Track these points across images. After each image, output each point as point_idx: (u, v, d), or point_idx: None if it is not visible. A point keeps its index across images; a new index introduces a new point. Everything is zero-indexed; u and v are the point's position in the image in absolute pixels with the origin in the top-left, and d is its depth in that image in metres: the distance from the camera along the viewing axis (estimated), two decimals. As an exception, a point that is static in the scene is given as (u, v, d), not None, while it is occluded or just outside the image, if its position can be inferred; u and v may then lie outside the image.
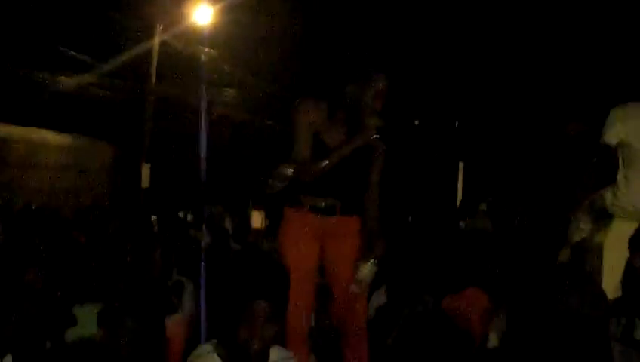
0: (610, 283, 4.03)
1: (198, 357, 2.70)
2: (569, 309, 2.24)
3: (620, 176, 4.28)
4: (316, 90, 3.96)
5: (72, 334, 3.70)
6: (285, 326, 3.59)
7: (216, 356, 2.72)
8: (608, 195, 4.31)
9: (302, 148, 3.82)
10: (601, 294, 2.30)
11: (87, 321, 3.68)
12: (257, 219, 16.11)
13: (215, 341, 2.79)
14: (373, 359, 3.93)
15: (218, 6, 17.41)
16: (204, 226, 8.73)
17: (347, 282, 3.77)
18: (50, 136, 16.95)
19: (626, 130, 4.26)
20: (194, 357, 2.66)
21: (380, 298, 4.94)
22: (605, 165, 4.39)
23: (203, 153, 12.17)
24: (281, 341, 2.83)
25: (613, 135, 4.29)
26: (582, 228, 4.61)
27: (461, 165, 22.38)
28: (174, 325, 4.06)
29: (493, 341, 4.08)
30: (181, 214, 13.13)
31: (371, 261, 3.73)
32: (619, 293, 3.46)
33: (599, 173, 4.50)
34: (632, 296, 2.69)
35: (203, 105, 16.94)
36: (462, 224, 11.48)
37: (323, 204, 3.86)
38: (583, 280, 2.42)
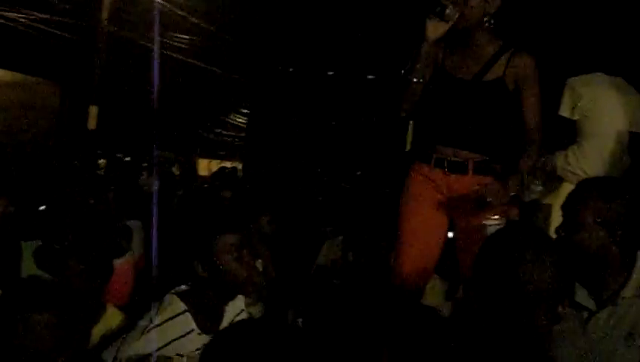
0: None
1: (167, 312, 2.66)
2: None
3: (573, 144, 4.38)
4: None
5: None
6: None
7: (189, 315, 2.71)
8: (560, 159, 4.40)
9: None
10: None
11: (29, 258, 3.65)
12: (204, 167, 16.04)
13: (183, 289, 2.78)
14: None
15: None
16: (153, 171, 8.66)
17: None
18: (-5, 72, 16.57)
19: (581, 102, 4.35)
20: (162, 310, 2.63)
21: (334, 249, 4.95)
22: (560, 133, 4.47)
23: (153, 98, 12.01)
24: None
25: (567, 107, 4.39)
26: (532, 189, 4.69)
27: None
28: (123, 266, 4.03)
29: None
30: (129, 158, 13.00)
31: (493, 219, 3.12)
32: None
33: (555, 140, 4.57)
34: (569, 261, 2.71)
35: (155, 49, 16.66)
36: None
37: (454, 158, 3.34)
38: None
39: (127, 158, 13.14)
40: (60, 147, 15.88)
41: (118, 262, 3.92)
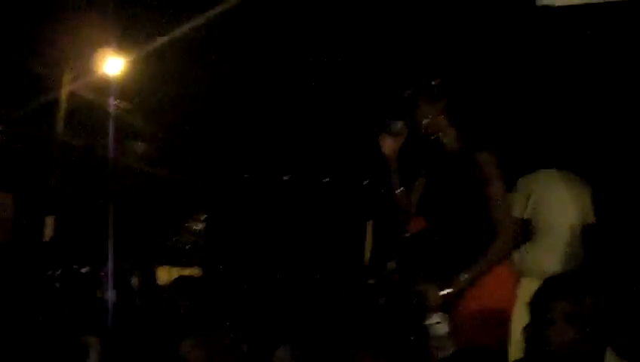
0: (517, 341, 4.13)
1: None
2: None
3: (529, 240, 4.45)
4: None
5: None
6: None
7: None
8: (516, 256, 4.44)
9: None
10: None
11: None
12: (164, 275, 15.83)
13: None
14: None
15: (129, 58, 17.25)
16: (110, 284, 8.52)
17: None
18: (-52, 185, 16.37)
19: (530, 200, 4.45)
20: None
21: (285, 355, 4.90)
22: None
23: (110, 207, 11.94)
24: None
25: (519, 206, 4.48)
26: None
27: (370, 224, 22.55)
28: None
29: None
30: (85, 270, 12.77)
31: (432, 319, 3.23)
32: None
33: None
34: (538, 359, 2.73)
35: (111, 157, 16.66)
36: (371, 281, 11.51)
37: None
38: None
39: (84, 270, 12.92)
40: (16, 259, 15.58)
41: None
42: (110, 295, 7.69)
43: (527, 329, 2.74)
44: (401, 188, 3.50)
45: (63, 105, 17.29)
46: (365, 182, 24.02)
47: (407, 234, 4.17)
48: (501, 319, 3.37)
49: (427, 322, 3.23)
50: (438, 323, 3.19)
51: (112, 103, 17.70)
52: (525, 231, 4.55)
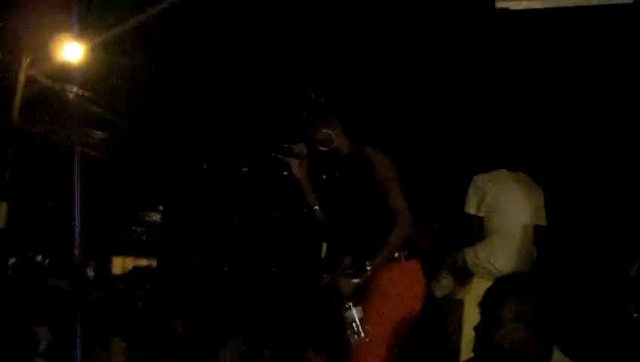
0: (470, 339, 4.19)
1: None
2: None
3: (481, 239, 4.50)
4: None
5: None
6: None
7: None
8: (470, 255, 4.50)
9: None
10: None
11: None
12: (119, 265, 15.74)
13: None
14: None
15: (89, 44, 17.06)
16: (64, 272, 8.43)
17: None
18: None
19: (487, 199, 4.50)
20: None
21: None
22: (465, 229, 4.59)
23: (65, 195, 11.81)
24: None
25: (473, 205, 4.53)
26: (444, 284, 4.79)
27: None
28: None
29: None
30: (39, 258, 12.65)
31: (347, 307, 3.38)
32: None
33: (460, 235, 4.69)
34: (489, 357, 2.78)
35: (69, 145, 16.47)
36: (326, 276, 11.56)
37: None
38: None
39: (38, 258, 12.77)
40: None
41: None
42: (63, 284, 7.63)
43: (478, 328, 2.80)
44: (317, 207, 3.67)
45: (21, 91, 17.05)
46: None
47: None
48: (406, 313, 3.48)
49: (342, 310, 3.37)
50: (349, 309, 3.34)
51: (71, 90, 17.50)
52: (479, 230, 4.61)
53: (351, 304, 3.38)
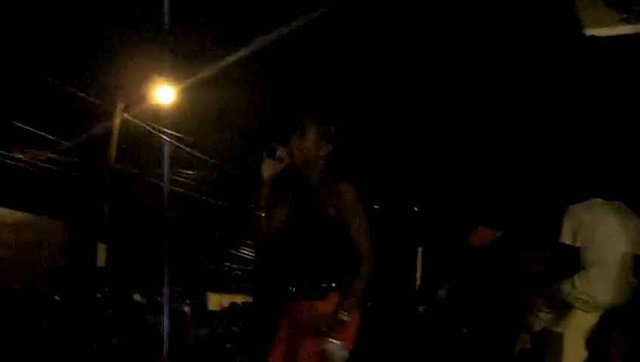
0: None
1: None
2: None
3: (579, 270, 4.39)
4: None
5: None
6: None
7: None
8: (568, 287, 4.39)
9: None
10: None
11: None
12: (215, 301, 15.93)
13: None
14: None
15: (180, 87, 17.54)
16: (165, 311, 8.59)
17: None
18: (6, 213, 16.73)
19: (582, 229, 4.40)
20: None
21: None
22: (561, 260, 4.49)
23: (162, 234, 12.08)
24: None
25: (569, 234, 4.42)
26: (542, 317, 4.68)
27: (420, 250, 22.48)
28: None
29: None
30: (138, 297, 12.92)
31: (330, 339, 3.32)
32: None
33: (553, 267, 4.59)
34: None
35: (163, 186, 16.87)
36: (421, 309, 11.45)
37: (290, 287, 3.55)
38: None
39: (136, 296, 13.06)
40: (70, 286, 15.85)
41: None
42: (165, 321, 7.76)
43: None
44: (262, 214, 3.58)
45: (116, 134, 17.62)
46: (415, 209, 23.97)
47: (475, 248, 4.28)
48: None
49: (324, 346, 3.31)
50: (332, 346, 3.30)
51: (164, 132, 17.98)
52: (576, 261, 4.50)
53: (334, 340, 3.35)
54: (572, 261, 4.43)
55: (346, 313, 3.38)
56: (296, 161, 3.53)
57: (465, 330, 6.59)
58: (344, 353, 3.34)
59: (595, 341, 2.71)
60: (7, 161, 17.00)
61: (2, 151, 16.82)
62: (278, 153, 3.48)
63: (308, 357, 3.39)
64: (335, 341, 3.30)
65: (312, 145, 3.54)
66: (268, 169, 3.52)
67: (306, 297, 3.48)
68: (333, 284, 3.47)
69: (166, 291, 11.00)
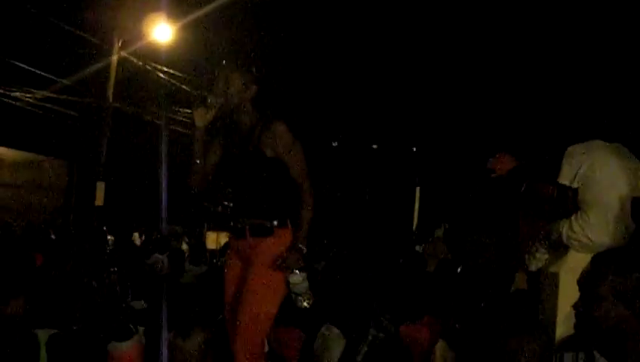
0: (565, 313, 4.10)
1: None
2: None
3: (577, 212, 4.38)
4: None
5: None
6: None
7: None
8: (565, 228, 4.38)
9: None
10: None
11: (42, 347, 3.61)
12: (212, 240, 16.01)
13: None
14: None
15: (178, 24, 17.36)
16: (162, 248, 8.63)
17: (245, 314, 3.54)
18: (3, 152, 16.75)
19: (581, 170, 4.37)
20: None
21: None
22: (559, 200, 4.47)
23: (160, 172, 12.07)
24: None
25: (568, 174, 4.40)
26: (538, 257, 4.69)
27: (418, 190, 22.56)
28: (129, 350, 3.99)
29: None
30: (135, 235, 13.00)
31: (294, 272, 3.57)
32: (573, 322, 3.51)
33: (551, 208, 4.58)
34: (588, 333, 2.74)
35: (161, 124, 16.83)
36: (418, 248, 11.53)
37: (237, 224, 3.76)
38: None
39: (134, 235, 13.13)
40: (69, 224, 15.94)
41: (124, 346, 3.90)
42: (163, 261, 7.82)
43: (577, 306, 2.76)
44: (198, 160, 3.72)
45: (114, 72, 17.50)
46: (414, 149, 23.98)
47: (494, 175, 4.35)
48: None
49: (289, 279, 3.58)
50: (296, 278, 3.57)
51: (162, 70, 17.87)
52: (574, 202, 4.49)
53: (297, 273, 3.59)
54: (570, 201, 4.42)
55: (302, 245, 3.62)
56: (226, 107, 3.69)
57: (459, 269, 6.63)
58: (307, 283, 3.60)
59: (587, 280, 2.71)
60: (6, 100, 16.93)
61: (1, 91, 16.74)
62: (208, 101, 3.64)
63: (266, 289, 3.60)
64: (298, 272, 3.56)
65: (238, 91, 3.69)
66: (200, 116, 3.68)
67: (254, 234, 3.67)
68: (278, 222, 3.67)
69: (164, 229, 11.07)
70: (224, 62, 3.80)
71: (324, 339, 4.48)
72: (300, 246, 3.62)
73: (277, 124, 3.67)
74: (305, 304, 3.58)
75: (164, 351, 2.94)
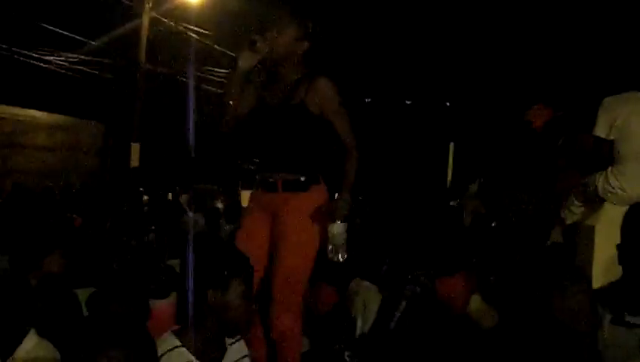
0: (601, 264, 4.10)
1: (161, 349, 2.69)
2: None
3: (613, 164, 4.33)
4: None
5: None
6: None
7: (184, 350, 2.77)
8: (600, 181, 4.35)
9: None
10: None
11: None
12: (247, 198, 16.10)
13: (177, 327, 2.85)
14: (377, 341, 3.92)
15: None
16: (194, 209, 8.69)
17: (281, 270, 3.49)
18: (39, 116, 16.91)
19: (617, 122, 4.31)
20: (158, 346, 2.65)
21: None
22: (595, 153, 4.42)
23: (193, 133, 12.14)
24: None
25: (604, 127, 4.34)
26: (574, 211, 4.67)
27: (452, 146, 22.44)
28: (166, 308, 4.04)
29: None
30: (170, 196, 13.10)
31: (337, 223, 3.50)
32: (609, 276, 3.50)
33: (589, 160, 4.54)
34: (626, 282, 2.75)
35: (193, 84, 16.85)
36: (453, 203, 11.49)
37: (268, 178, 3.65)
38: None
39: (170, 195, 13.23)
40: (105, 186, 16.11)
41: (160, 303, 3.95)
42: (198, 220, 7.89)
43: (619, 249, 2.79)
44: (231, 102, 3.59)
45: (145, 33, 17.52)
46: (447, 104, 23.81)
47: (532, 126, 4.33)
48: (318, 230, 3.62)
49: (331, 229, 3.52)
50: (338, 228, 3.52)
51: (193, 30, 17.86)
52: (610, 154, 4.43)
53: (339, 224, 3.54)
54: (606, 154, 4.37)
55: (348, 196, 3.59)
56: (274, 55, 3.55)
57: (494, 224, 6.61)
58: (346, 235, 3.54)
59: (625, 232, 2.71)
60: (40, 63, 17.06)
61: (34, 54, 16.86)
62: (257, 45, 3.50)
63: (302, 245, 3.55)
64: (339, 223, 3.50)
65: (289, 42, 3.58)
66: (245, 59, 3.55)
67: (286, 188, 3.60)
68: (312, 178, 3.62)
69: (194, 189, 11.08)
70: (281, 10, 3.67)
71: (361, 295, 4.49)
72: (347, 196, 3.59)
73: (325, 82, 3.59)
74: (340, 257, 3.52)
75: (203, 307, 2.97)
